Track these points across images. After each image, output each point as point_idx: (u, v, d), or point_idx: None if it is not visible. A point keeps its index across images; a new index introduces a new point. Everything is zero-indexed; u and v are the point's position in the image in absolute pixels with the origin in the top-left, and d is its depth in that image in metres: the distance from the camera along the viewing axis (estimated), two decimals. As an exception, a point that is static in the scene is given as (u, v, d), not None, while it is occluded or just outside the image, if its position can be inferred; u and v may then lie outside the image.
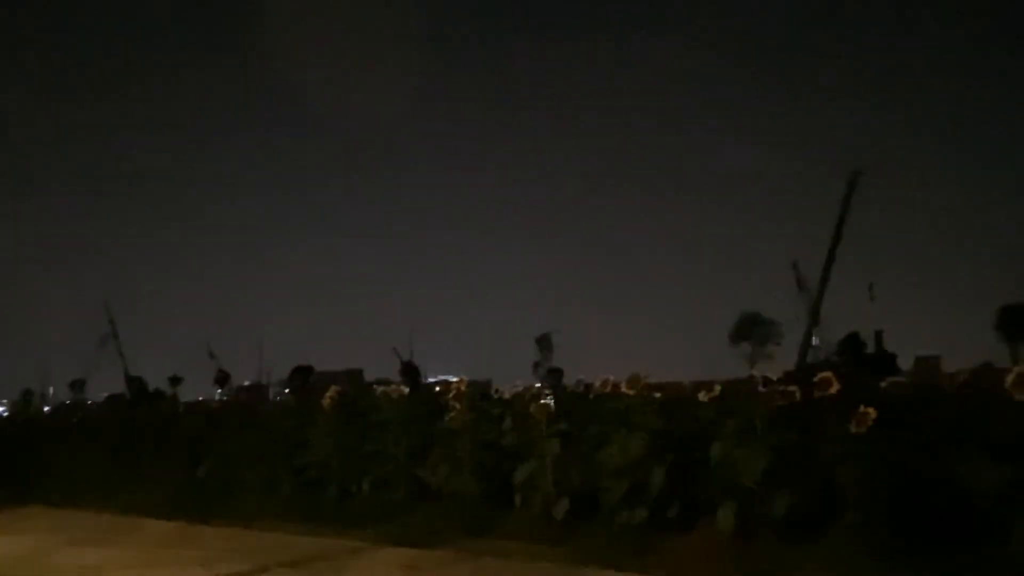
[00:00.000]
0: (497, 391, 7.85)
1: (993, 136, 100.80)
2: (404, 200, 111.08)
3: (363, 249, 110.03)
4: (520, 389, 7.20)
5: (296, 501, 7.12)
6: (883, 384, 5.63)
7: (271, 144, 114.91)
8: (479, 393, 7.28)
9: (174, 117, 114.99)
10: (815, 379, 5.03)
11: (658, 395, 5.96)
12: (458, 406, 6.68)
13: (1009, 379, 4.18)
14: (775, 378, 5.50)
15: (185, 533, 6.75)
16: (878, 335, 57.52)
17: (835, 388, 4.88)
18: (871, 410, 4.47)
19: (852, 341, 56.12)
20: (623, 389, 5.78)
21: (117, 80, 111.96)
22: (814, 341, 55.22)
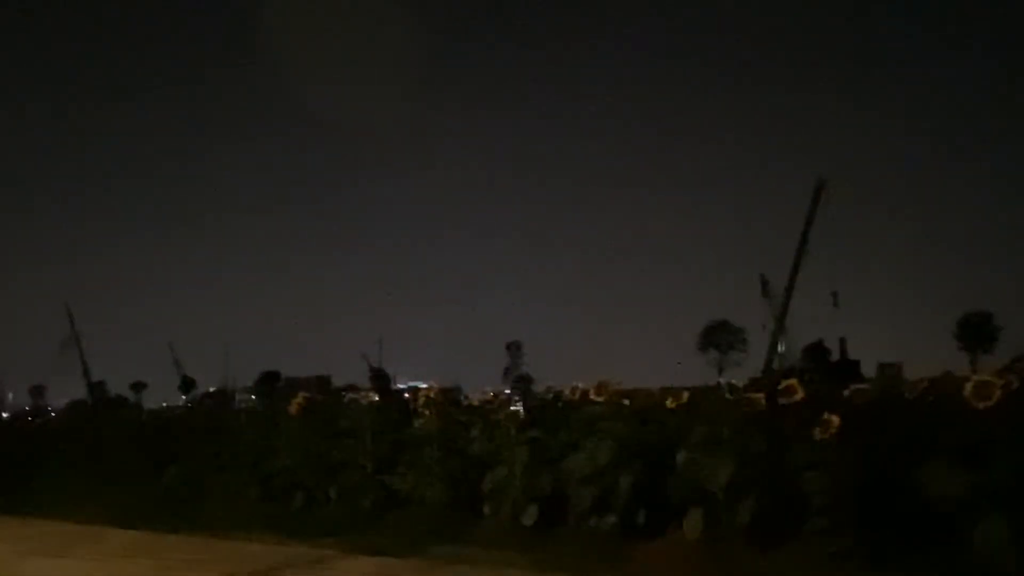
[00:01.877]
0: (467, 398, 7.84)
1: (956, 147, 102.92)
2: (374, 208, 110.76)
3: (332, 256, 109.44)
4: (490, 396, 7.20)
5: (262, 509, 7.05)
6: (847, 391, 5.71)
7: (238, 154, 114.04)
8: (448, 400, 7.26)
9: (146, 124, 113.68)
10: (780, 386, 5.09)
11: (627, 402, 6.00)
12: (427, 413, 6.67)
13: (968, 387, 4.27)
14: (741, 385, 5.56)
15: (149, 543, 6.65)
16: (842, 343, 58.32)
17: (800, 395, 4.94)
18: (835, 417, 4.53)
19: (817, 348, 56.83)
20: (592, 396, 5.80)
21: (83, 89, 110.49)
22: (780, 348, 55.77)
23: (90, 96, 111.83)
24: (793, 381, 5.08)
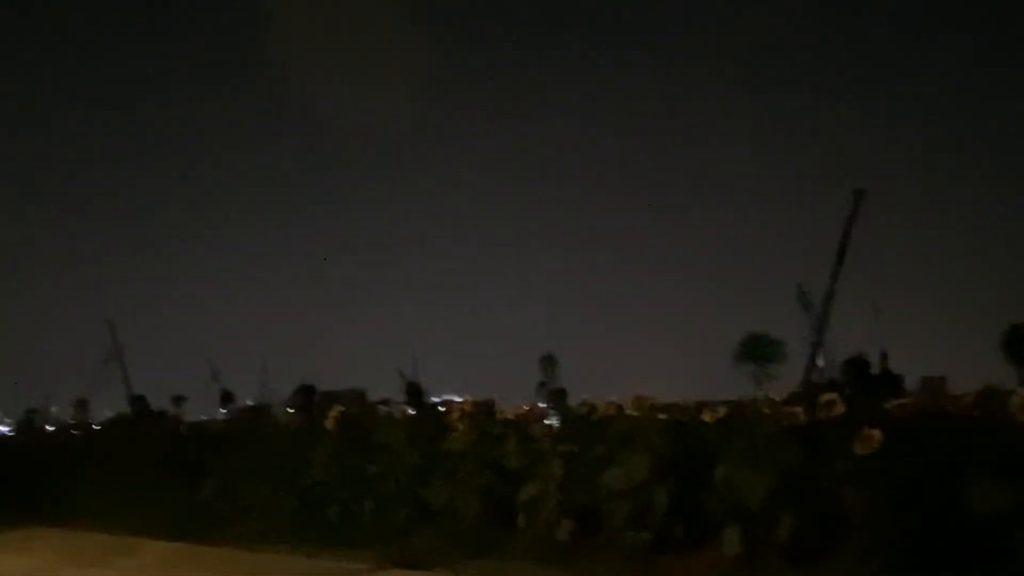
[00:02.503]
0: (501, 412, 7.81)
1: (999, 154, 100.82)
2: (408, 220, 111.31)
3: (367, 267, 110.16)
4: (524, 410, 7.18)
5: (298, 522, 7.08)
6: (888, 406, 5.60)
7: (274, 162, 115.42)
8: (483, 413, 7.25)
9: (177, 134, 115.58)
10: (820, 400, 5.01)
11: (662, 416, 5.94)
12: (461, 427, 6.65)
13: (1015, 401, 4.17)
14: (780, 399, 5.48)
15: (187, 554, 6.71)
16: (883, 356, 57.33)
17: (840, 409, 4.86)
18: (876, 432, 4.45)
19: (857, 362, 55.94)
20: (627, 410, 5.76)
21: (118, 97, 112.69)
22: (819, 362, 55.04)
23: (127, 109, 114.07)
24: (834, 395, 5.00)
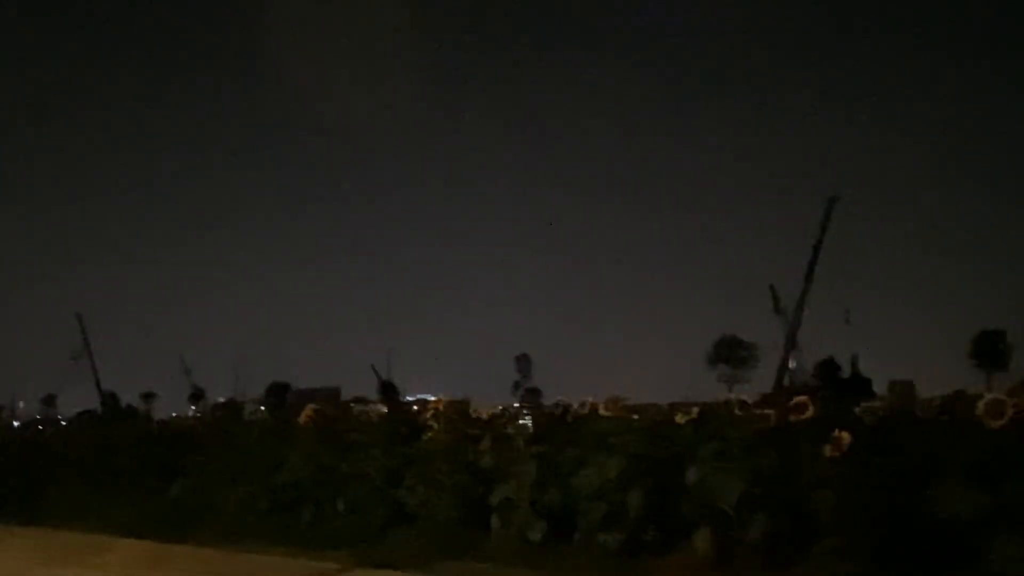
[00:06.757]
0: (475, 411, 7.82)
1: (970, 163, 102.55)
2: (383, 219, 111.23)
3: (342, 267, 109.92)
4: (499, 409, 7.19)
5: (271, 522, 7.03)
6: (858, 409, 5.68)
7: (249, 164, 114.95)
8: (457, 413, 7.24)
9: (153, 133, 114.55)
10: (791, 403, 5.07)
11: (636, 417, 5.98)
12: (436, 426, 6.65)
13: (980, 406, 4.24)
14: (752, 401, 5.54)
15: (157, 554, 6.64)
16: (854, 359, 58.09)
17: (811, 412, 4.92)
18: (846, 435, 4.50)
19: (828, 365, 56.63)
20: (601, 411, 5.79)
21: (93, 98, 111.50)
22: (791, 364, 55.68)
23: (99, 104, 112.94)
24: (804, 398, 5.06)
